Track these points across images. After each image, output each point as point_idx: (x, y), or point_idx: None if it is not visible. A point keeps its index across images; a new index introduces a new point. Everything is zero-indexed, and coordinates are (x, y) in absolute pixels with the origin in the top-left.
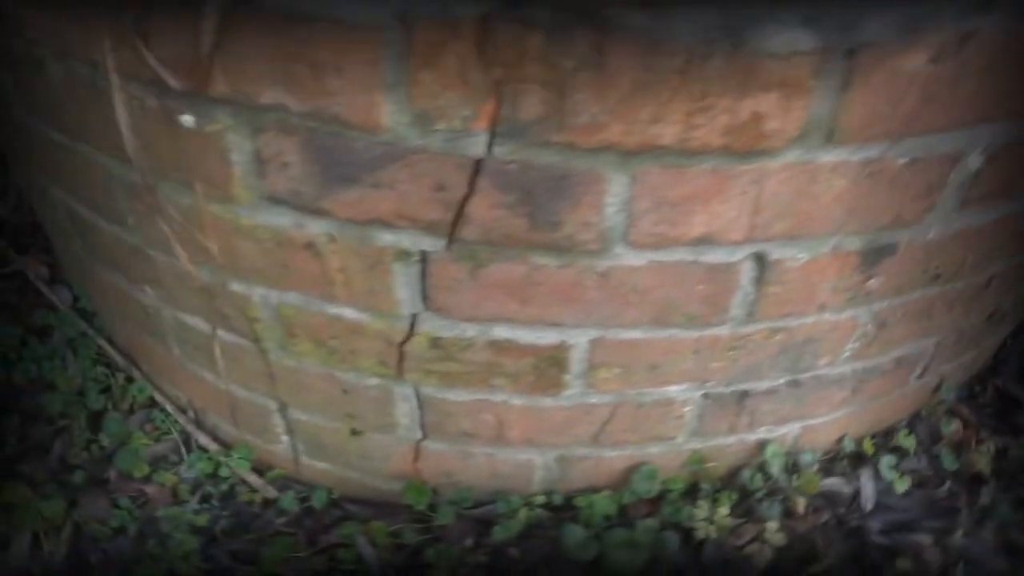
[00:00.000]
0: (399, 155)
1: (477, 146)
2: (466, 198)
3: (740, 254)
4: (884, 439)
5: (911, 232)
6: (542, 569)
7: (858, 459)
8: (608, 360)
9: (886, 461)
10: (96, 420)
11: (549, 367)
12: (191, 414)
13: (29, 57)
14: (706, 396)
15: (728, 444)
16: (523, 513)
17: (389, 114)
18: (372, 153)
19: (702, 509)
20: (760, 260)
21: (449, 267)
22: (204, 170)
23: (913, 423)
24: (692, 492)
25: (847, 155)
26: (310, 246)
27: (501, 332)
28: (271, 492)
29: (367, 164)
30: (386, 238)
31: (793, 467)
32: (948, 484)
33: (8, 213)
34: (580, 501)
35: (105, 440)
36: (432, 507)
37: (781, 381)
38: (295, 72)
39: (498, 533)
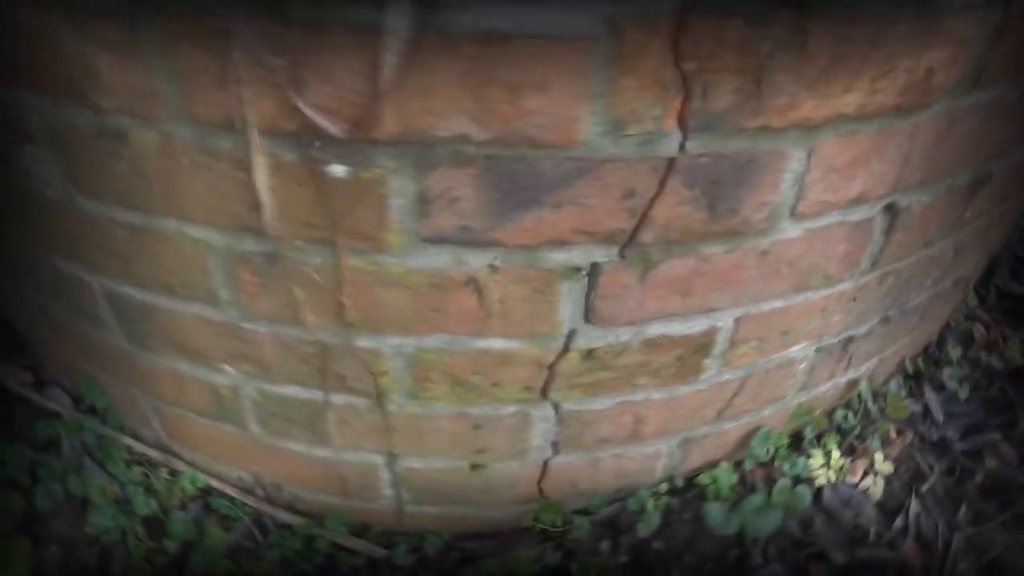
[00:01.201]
0: (589, 168)
1: (670, 145)
2: (653, 201)
3: (878, 207)
4: (931, 355)
5: (1002, 161)
6: (687, 554)
7: (917, 378)
8: (748, 335)
9: (947, 373)
10: (152, 525)
11: (693, 355)
12: (261, 492)
13: (102, 131)
14: (819, 350)
15: (825, 391)
16: (651, 504)
17: (587, 127)
18: (559, 171)
19: (816, 457)
20: (892, 210)
21: (619, 275)
22: (351, 222)
23: (945, 335)
24: (797, 444)
25: (983, 97)
26: (470, 282)
27: (656, 329)
28: (377, 551)
29: (551, 184)
30: (556, 258)
31: (877, 398)
32: (997, 383)
33: None
34: (703, 478)
35: (171, 545)
36: (563, 522)
37: (876, 321)
38: (487, 97)
39: (641, 529)
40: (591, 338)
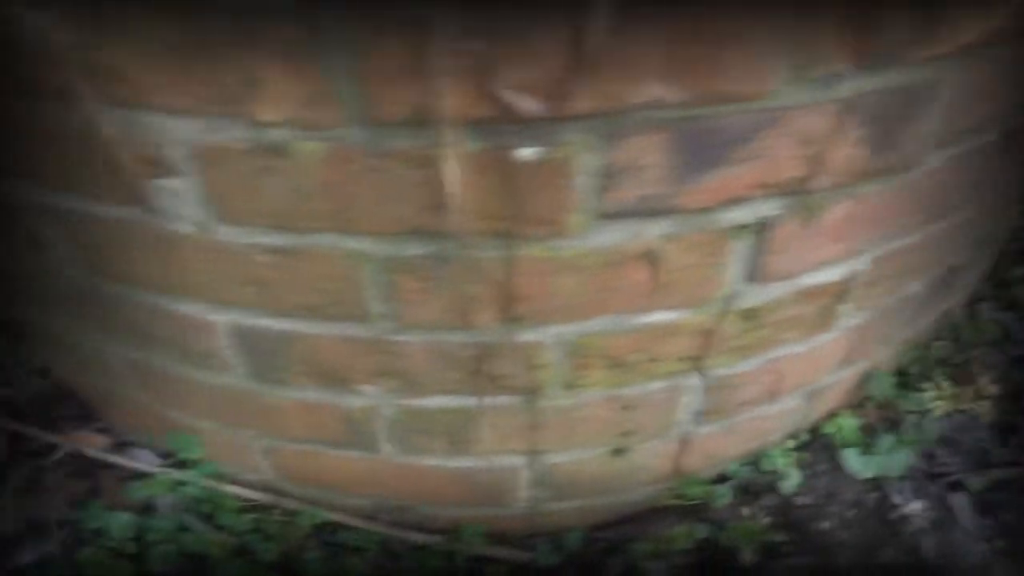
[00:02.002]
0: (774, 118)
1: (847, 85)
2: (828, 144)
3: (994, 134)
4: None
5: None
6: (830, 504)
7: (981, 300)
8: (882, 275)
9: (1017, 292)
10: (282, 570)
11: (834, 302)
12: (386, 516)
13: (257, 148)
14: (931, 282)
15: (927, 323)
16: (786, 461)
17: (776, 75)
18: (746, 125)
19: (929, 391)
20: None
21: (785, 228)
22: (532, 208)
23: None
24: (904, 382)
25: None
26: (645, 254)
27: (807, 280)
28: (520, 555)
29: (736, 140)
30: (729, 217)
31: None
32: None
33: (18, 392)
34: (828, 428)
35: None
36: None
37: (972, 246)
38: (687, 56)
39: (784, 487)
40: (750, 297)
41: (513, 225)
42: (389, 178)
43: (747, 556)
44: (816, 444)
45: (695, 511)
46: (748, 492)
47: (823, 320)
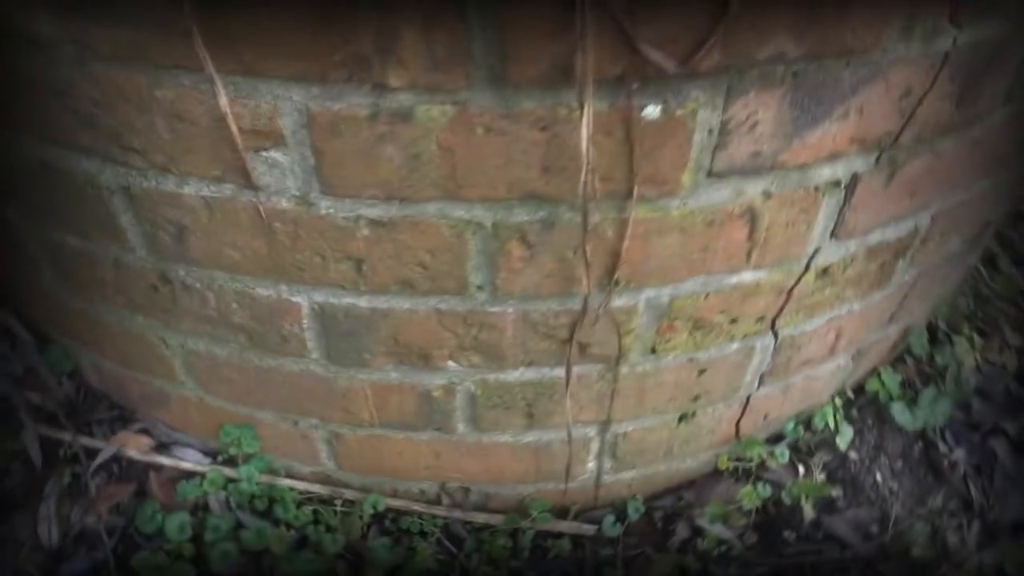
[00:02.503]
0: (880, 72)
1: (946, 40)
2: (922, 98)
3: None
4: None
5: None
6: (880, 456)
7: (993, 256)
8: (938, 231)
9: None
10: (348, 561)
11: (893, 259)
12: (447, 500)
13: (378, 114)
14: (968, 238)
15: (957, 280)
16: (837, 418)
17: (891, 29)
18: (855, 79)
19: (960, 343)
20: None
21: (871, 183)
22: (650, 168)
23: None
24: (935, 338)
25: None
26: (746, 212)
27: (876, 237)
28: (586, 528)
29: (845, 94)
30: (824, 174)
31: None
32: None
33: (49, 397)
34: (871, 385)
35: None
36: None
37: (1004, 200)
38: (818, 9)
39: (839, 443)
40: (829, 255)
41: (628, 186)
42: (511, 141)
43: (808, 512)
44: (861, 401)
45: (750, 473)
46: (803, 451)
47: (882, 278)
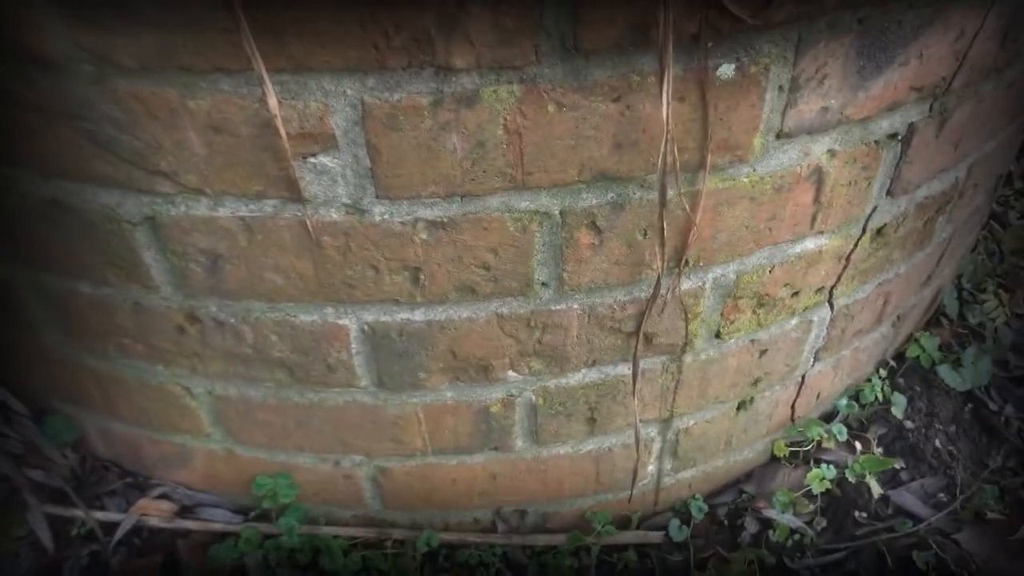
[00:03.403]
0: (938, 13)
1: None
2: (974, 38)
3: None
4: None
5: None
6: (934, 421)
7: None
8: (970, 183)
9: None
10: None
11: (936, 214)
12: (503, 526)
13: (441, 100)
14: (990, 190)
15: (977, 235)
16: (884, 388)
17: None
18: (916, 22)
19: (990, 300)
20: None
21: (924, 134)
22: (723, 133)
23: None
24: (961, 298)
25: None
26: (813, 173)
27: (922, 192)
28: (653, 536)
29: (907, 39)
30: (883, 126)
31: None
32: None
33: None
34: (911, 351)
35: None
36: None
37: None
38: None
39: (896, 412)
40: (884, 214)
41: (700, 155)
42: (582, 116)
43: (875, 488)
44: (904, 369)
45: (807, 457)
46: (855, 426)
47: (925, 236)
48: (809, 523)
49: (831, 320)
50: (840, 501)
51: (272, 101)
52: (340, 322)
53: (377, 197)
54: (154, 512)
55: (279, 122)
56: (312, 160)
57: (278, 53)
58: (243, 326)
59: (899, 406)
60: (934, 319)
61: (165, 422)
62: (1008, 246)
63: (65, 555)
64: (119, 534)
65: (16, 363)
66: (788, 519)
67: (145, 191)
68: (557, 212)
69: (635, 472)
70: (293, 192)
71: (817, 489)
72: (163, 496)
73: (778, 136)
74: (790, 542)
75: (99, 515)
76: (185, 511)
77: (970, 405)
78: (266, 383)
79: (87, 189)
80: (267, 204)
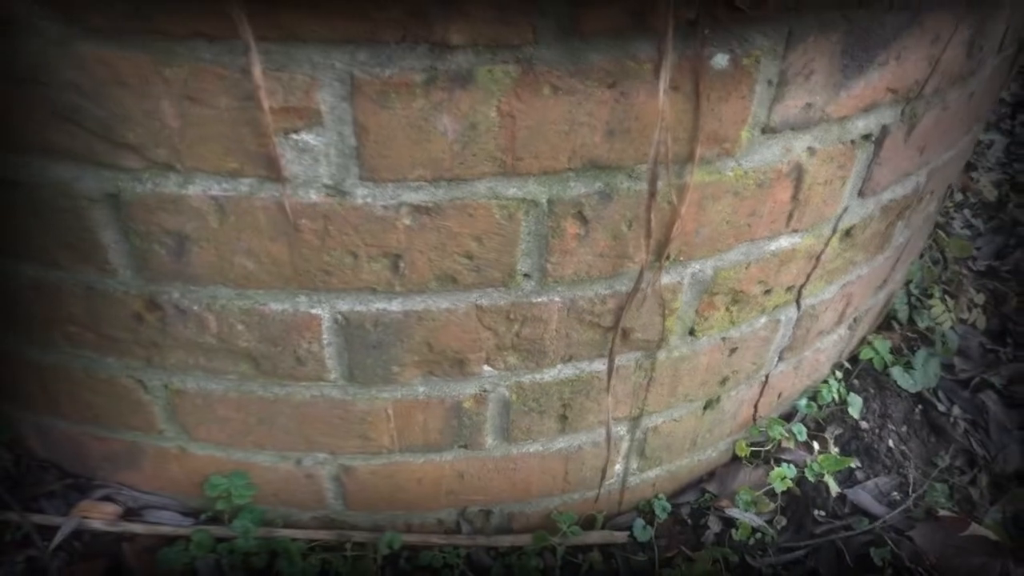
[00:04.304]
0: (915, 16)
1: None
2: (947, 43)
3: None
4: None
5: None
6: (887, 423)
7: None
8: (927, 189)
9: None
10: None
11: (896, 219)
12: (467, 527)
13: (435, 78)
14: (940, 197)
15: (926, 241)
16: (840, 389)
17: None
18: (896, 23)
19: (937, 306)
20: None
21: (896, 136)
22: (712, 124)
23: None
24: (910, 301)
25: None
26: (793, 170)
27: (887, 195)
28: (618, 536)
29: (887, 39)
30: (859, 126)
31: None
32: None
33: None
34: (864, 353)
35: None
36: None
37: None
38: None
39: (853, 413)
40: (853, 215)
41: (690, 147)
42: (577, 102)
43: (832, 487)
44: (859, 370)
45: (767, 456)
46: (815, 426)
47: (886, 239)
48: (770, 522)
49: (797, 320)
50: (799, 500)
51: (256, 71)
52: (312, 311)
53: (361, 179)
54: (97, 515)
55: (262, 94)
56: (294, 137)
57: (266, 20)
58: (207, 314)
59: (855, 407)
60: (885, 323)
61: (114, 418)
62: (951, 254)
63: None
64: (59, 538)
65: None
66: (750, 518)
67: (107, 165)
68: (545, 200)
69: (604, 471)
70: (272, 171)
71: (779, 488)
72: (107, 498)
73: (763, 131)
74: (752, 540)
75: (36, 518)
76: (131, 513)
77: (920, 406)
78: (229, 376)
79: (40, 162)
80: (242, 183)
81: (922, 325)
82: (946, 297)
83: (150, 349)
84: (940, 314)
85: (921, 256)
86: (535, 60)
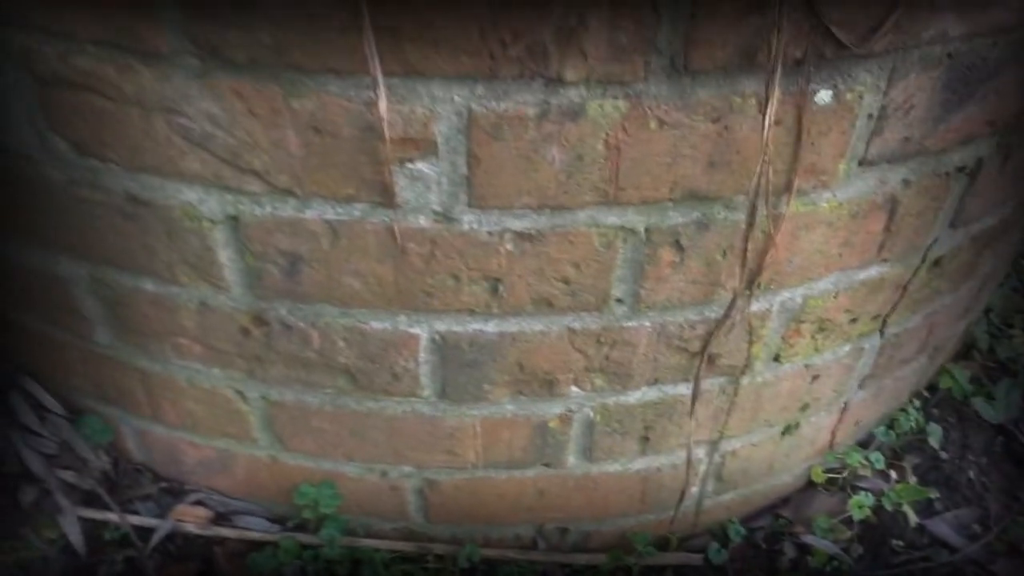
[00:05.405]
0: (1017, 52)
1: None
2: None
3: None
4: None
5: None
6: (967, 454)
7: None
8: (1014, 219)
9: None
10: None
11: (984, 248)
12: (543, 544)
13: (547, 113)
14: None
15: (1006, 271)
16: (919, 418)
17: None
18: (998, 58)
19: (1016, 336)
20: None
21: (990, 168)
22: (812, 157)
23: None
24: (990, 330)
25: None
26: (887, 202)
27: (976, 227)
28: (692, 558)
29: (988, 75)
30: (954, 159)
31: None
32: None
33: (85, 475)
34: (943, 382)
35: None
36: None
37: None
38: None
39: (933, 442)
40: (943, 245)
41: (788, 178)
42: (682, 135)
43: (911, 517)
44: (937, 399)
45: (843, 483)
46: (891, 455)
47: (971, 269)
48: (846, 550)
49: (880, 348)
50: (877, 529)
51: (382, 105)
52: (411, 330)
53: (469, 206)
54: (190, 518)
55: (385, 126)
56: (409, 166)
57: (394, 58)
58: (311, 330)
59: (935, 436)
60: (965, 351)
61: (211, 426)
62: None
63: (98, 559)
64: (155, 539)
65: (57, 361)
66: (827, 545)
67: (232, 190)
68: (643, 229)
69: (681, 493)
70: (386, 197)
71: (857, 516)
72: (199, 502)
73: (860, 163)
74: (828, 568)
75: (133, 519)
76: (221, 518)
77: (1001, 437)
78: (326, 389)
79: (169, 185)
80: (356, 208)
81: (1002, 355)
82: None
83: (252, 362)
84: (1022, 344)
85: (1001, 284)
86: (644, 95)
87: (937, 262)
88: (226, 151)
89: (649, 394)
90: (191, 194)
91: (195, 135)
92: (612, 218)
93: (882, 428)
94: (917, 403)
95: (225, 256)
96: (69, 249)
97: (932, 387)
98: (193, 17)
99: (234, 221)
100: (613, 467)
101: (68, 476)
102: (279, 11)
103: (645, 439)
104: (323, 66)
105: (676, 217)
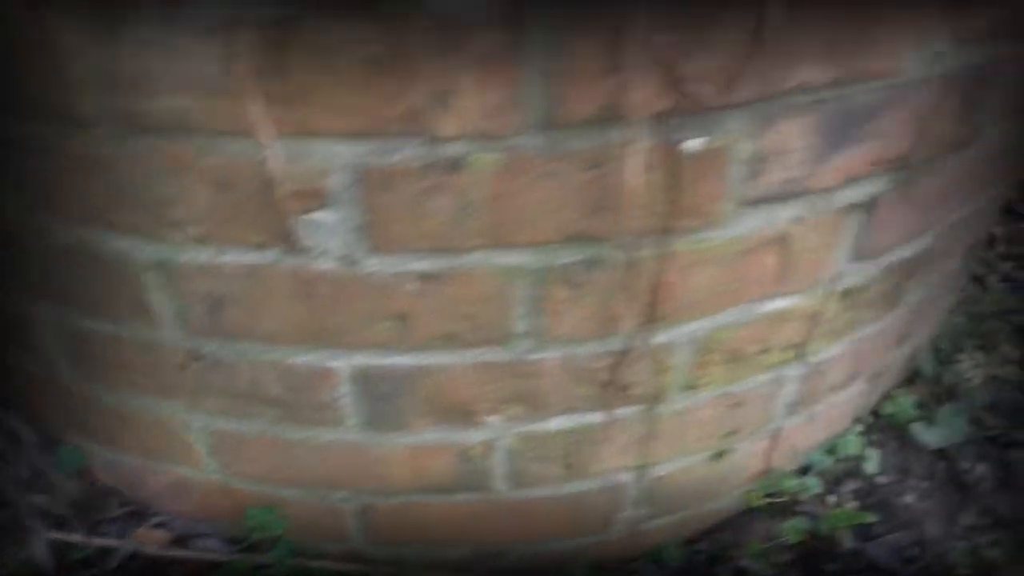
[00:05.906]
0: (895, 95)
1: (953, 60)
2: (931, 116)
3: None
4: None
5: None
6: (908, 479)
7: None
8: (938, 249)
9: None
10: None
11: (904, 279)
12: (481, 567)
13: (431, 166)
14: (963, 256)
15: (954, 299)
16: (860, 443)
17: (907, 51)
18: (873, 102)
19: (964, 362)
20: None
21: (887, 204)
22: (690, 200)
23: None
24: (939, 357)
25: None
26: (777, 239)
27: (888, 257)
28: None
29: (864, 118)
30: (847, 195)
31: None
32: None
33: (56, 498)
34: (887, 408)
35: None
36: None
37: None
38: (840, 38)
39: (868, 468)
40: (852, 277)
41: (670, 220)
42: (560, 183)
43: (846, 541)
44: (880, 424)
45: (783, 507)
46: (831, 480)
47: (894, 299)
48: (782, 573)
49: (805, 376)
50: (812, 553)
51: (272, 164)
52: (331, 364)
53: (370, 250)
54: (150, 540)
55: (279, 182)
56: (310, 216)
57: (286, 119)
58: (241, 365)
59: (872, 461)
60: (912, 377)
61: (167, 454)
62: (987, 308)
63: None
64: (116, 560)
65: (33, 394)
66: (761, 567)
67: (157, 239)
68: (535, 269)
69: (612, 517)
70: (290, 245)
71: (793, 540)
72: (160, 525)
73: (743, 203)
74: None
75: (98, 541)
76: (179, 540)
77: (943, 463)
78: (260, 419)
79: (105, 236)
80: (267, 254)
81: (949, 380)
82: (979, 352)
83: (193, 394)
84: (969, 369)
85: (953, 311)
86: (523, 147)
87: (847, 293)
88: (149, 205)
89: (566, 422)
90: (122, 244)
91: (122, 191)
92: (504, 259)
93: (821, 453)
94: (860, 428)
95: (157, 299)
96: (35, 293)
97: (876, 412)
98: (107, 88)
99: (161, 266)
100: (543, 492)
101: (40, 500)
102: (176, 81)
103: (569, 465)
104: (223, 128)
105: (565, 257)
